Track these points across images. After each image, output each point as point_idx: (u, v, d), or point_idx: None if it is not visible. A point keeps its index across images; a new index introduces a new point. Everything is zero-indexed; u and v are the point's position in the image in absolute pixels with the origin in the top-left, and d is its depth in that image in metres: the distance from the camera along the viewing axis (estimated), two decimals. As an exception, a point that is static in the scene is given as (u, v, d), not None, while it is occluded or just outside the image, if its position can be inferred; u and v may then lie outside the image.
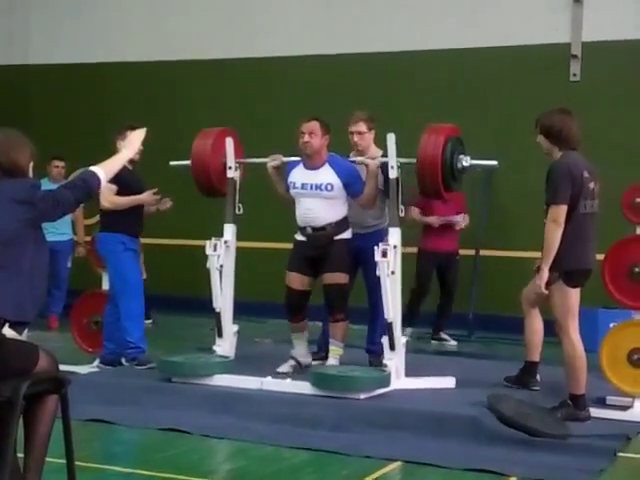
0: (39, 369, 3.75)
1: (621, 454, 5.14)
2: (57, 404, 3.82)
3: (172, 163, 7.06)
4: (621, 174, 8.53)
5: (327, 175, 6.43)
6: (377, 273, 6.07)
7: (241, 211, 6.81)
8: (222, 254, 6.55)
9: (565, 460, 4.93)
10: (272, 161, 6.71)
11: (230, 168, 6.75)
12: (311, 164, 6.49)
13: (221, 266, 6.57)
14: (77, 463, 3.97)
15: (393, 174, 6.26)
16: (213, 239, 6.58)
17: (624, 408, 5.90)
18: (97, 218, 8.53)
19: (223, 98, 11.46)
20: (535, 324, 6.22)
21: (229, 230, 6.76)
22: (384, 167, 6.38)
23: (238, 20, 11.54)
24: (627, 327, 6.01)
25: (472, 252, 10.07)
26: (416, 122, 9.85)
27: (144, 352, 6.99)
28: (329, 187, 6.41)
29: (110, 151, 4.71)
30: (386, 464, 4.92)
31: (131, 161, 7.18)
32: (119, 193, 6.98)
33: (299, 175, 6.52)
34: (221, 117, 10.75)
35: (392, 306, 6.09)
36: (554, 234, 5.57)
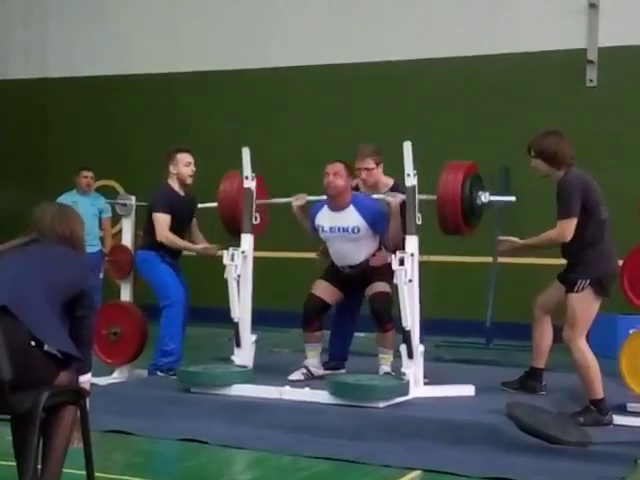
0: (59, 380, 3.77)
1: (642, 461, 5.11)
2: (76, 415, 3.83)
3: (201, 206, 7.12)
4: (638, 179, 8.51)
5: (352, 218, 6.45)
6: (395, 281, 6.07)
7: (258, 221, 6.82)
8: (240, 264, 6.56)
9: (585, 468, 4.90)
10: (296, 200, 6.72)
11: (247, 178, 6.77)
12: (336, 206, 6.50)
13: (239, 276, 6.57)
14: (97, 474, 4.00)
15: (410, 182, 6.25)
16: (230, 249, 6.59)
17: (645, 415, 5.87)
18: (117, 228, 8.61)
19: (239, 109, 11.50)
20: (546, 331, 6.21)
21: (246, 240, 6.76)
22: (403, 206, 6.33)
23: (253, 31, 11.58)
24: (647, 333, 5.97)
25: (489, 259, 10.05)
26: (432, 130, 9.97)
27: (180, 363, 7.04)
28: (356, 230, 6.44)
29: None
30: (405, 473, 4.90)
31: (183, 185, 7.23)
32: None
33: (326, 219, 6.55)
34: (237, 129, 10.82)
35: (410, 314, 6.08)
36: (553, 242, 5.82)
